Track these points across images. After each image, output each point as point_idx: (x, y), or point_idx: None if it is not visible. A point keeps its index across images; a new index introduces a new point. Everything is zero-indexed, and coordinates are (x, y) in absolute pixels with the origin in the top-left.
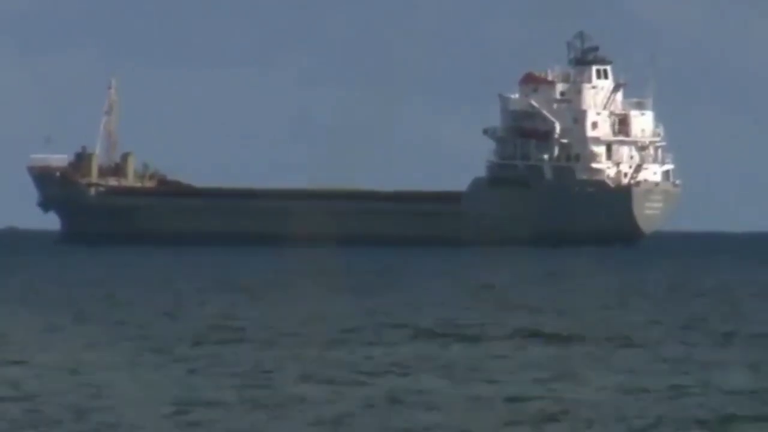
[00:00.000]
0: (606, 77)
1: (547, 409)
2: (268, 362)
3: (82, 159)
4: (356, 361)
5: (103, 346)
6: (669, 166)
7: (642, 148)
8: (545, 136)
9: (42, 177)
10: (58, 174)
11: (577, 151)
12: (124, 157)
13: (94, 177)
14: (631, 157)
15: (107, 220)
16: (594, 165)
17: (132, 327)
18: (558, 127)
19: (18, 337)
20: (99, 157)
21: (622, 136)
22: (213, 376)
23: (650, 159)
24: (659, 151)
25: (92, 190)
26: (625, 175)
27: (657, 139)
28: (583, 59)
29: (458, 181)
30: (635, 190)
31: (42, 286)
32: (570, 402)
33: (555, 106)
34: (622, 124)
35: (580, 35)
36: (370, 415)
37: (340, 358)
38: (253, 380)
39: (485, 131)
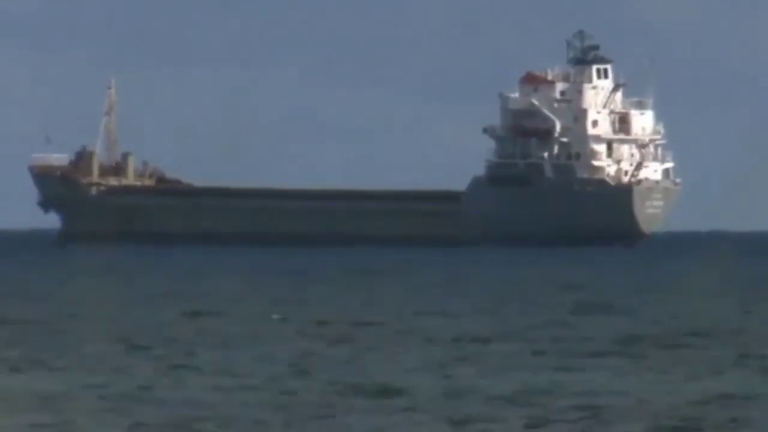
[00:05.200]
0: (606, 77)
1: None
2: None
3: (82, 158)
4: None
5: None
6: (669, 164)
7: (642, 146)
8: (546, 135)
9: (42, 176)
10: (58, 173)
11: (578, 149)
12: (125, 156)
13: (95, 176)
14: (632, 155)
15: (107, 219)
16: (594, 163)
17: None
18: (558, 126)
19: None
20: (99, 156)
21: (623, 134)
22: None
23: (650, 157)
24: (659, 149)
25: (92, 190)
26: (626, 173)
27: (657, 137)
28: (584, 58)
29: (458, 181)
30: (636, 189)
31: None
32: None
33: (555, 105)
34: (622, 123)
35: (580, 34)
36: None
37: None
38: None
39: (485, 130)
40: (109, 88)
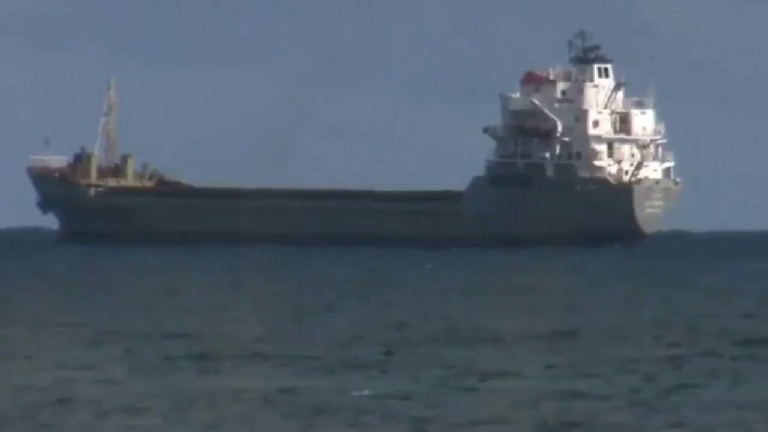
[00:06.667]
0: (607, 76)
1: None
2: None
3: (81, 160)
4: None
5: None
6: (669, 164)
7: (643, 146)
8: (547, 135)
9: (41, 178)
10: (57, 175)
11: (579, 149)
12: (124, 158)
13: (93, 178)
14: (632, 155)
15: (106, 220)
16: (595, 163)
17: None
18: (560, 126)
19: None
20: (98, 157)
21: (623, 134)
22: None
23: (651, 157)
24: (660, 148)
25: (91, 191)
26: (626, 173)
27: (658, 136)
28: (585, 58)
29: (458, 181)
30: (636, 188)
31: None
32: None
33: (556, 105)
34: (623, 123)
35: (581, 34)
36: None
37: None
38: None
39: (485, 130)
40: (108, 88)
